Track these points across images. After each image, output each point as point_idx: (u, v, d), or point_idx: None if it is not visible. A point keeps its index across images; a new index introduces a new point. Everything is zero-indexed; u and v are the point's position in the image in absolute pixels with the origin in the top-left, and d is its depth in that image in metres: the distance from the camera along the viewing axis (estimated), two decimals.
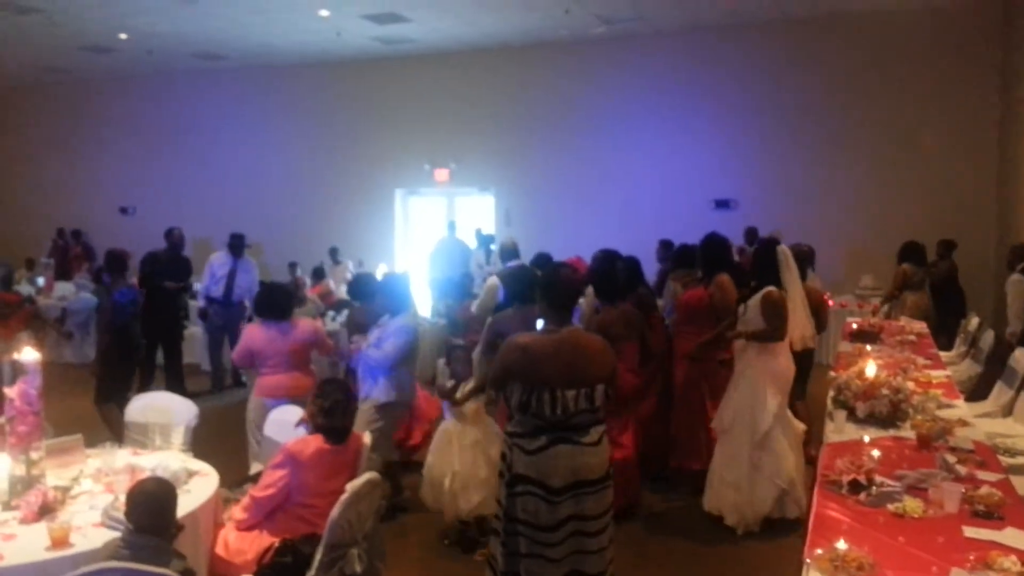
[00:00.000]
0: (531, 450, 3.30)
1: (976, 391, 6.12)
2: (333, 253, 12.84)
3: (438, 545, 4.85)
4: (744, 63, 11.73)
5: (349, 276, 12.25)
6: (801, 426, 5.11)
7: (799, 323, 5.02)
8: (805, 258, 6.51)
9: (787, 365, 4.93)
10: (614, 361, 3.51)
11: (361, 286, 6.30)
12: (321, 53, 13.47)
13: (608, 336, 4.95)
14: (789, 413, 5.02)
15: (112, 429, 5.72)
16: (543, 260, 8.19)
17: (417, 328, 5.28)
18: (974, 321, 7.53)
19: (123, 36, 12.33)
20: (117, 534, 2.90)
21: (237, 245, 9.07)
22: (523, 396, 3.29)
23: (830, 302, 10.05)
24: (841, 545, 2.61)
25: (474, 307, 7.65)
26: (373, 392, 5.05)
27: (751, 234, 10.31)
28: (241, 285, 8.91)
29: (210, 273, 8.91)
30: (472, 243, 11.66)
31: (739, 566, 4.59)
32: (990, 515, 2.89)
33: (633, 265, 5.99)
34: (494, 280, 7.52)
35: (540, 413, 3.28)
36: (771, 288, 4.85)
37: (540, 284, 3.65)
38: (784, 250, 5.02)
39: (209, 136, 15.42)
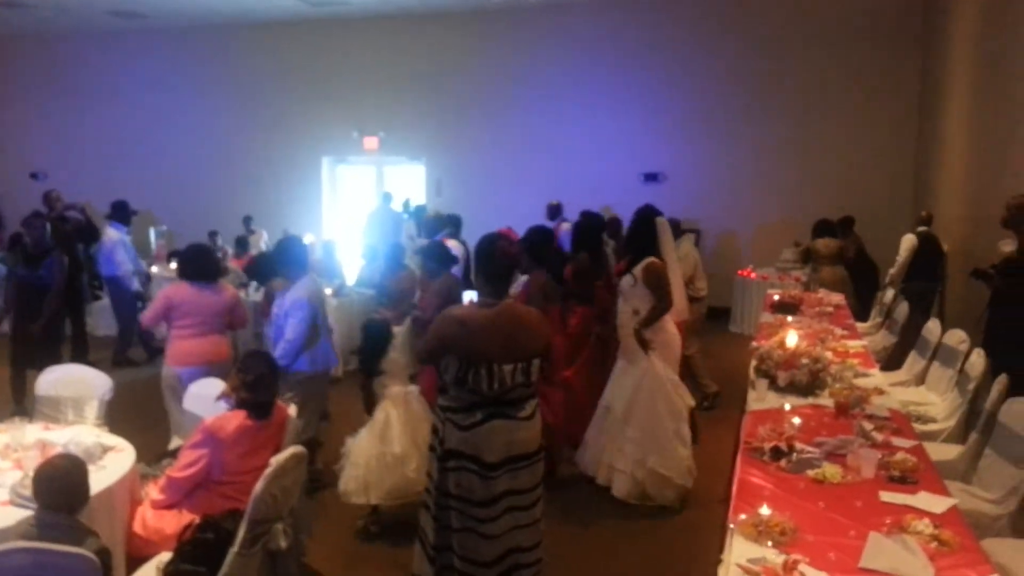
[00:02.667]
0: (465, 425, 3.26)
1: (891, 361, 6.35)
2: (247, 222, 12.27)
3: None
4: (674, 33, 11.78)
5: (264, 245, 11.96)
6: (687, 401, 5.12)
7: (678, 294, 5.16)
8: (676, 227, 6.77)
9: (674, 332, 5.07)
10: (549, 334, 3.49)
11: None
12: (246, 13, 12.97)
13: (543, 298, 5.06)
14: (675, 380, 5.06)
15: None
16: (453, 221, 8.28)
17: (314, 292, 4.96)
18: (889, 293, 7.81)
19: None
20: (28, 513, 2.77)
21: (124, 214, 8.68)
22: (459, 371, 3.23)
23: (751, 274, 10.36)
24: (764, 510, 2.67)
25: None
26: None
27: (553, 210, 10.76)
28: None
29: (126, 253, 8.54)
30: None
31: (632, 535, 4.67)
32: (904, 480, 3.00)
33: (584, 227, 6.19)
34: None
35: (477, 388, 3.23)
36: (652, 258, 4.95)
37: (476, 256, 3.56)
38: (662, 221, 5.12)
39: (126, 100, 14.73)
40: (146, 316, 5.19)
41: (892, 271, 8.21)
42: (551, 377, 4.64)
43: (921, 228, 8.24)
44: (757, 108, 11.50)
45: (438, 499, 3.34)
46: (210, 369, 4.67)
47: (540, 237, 5.69)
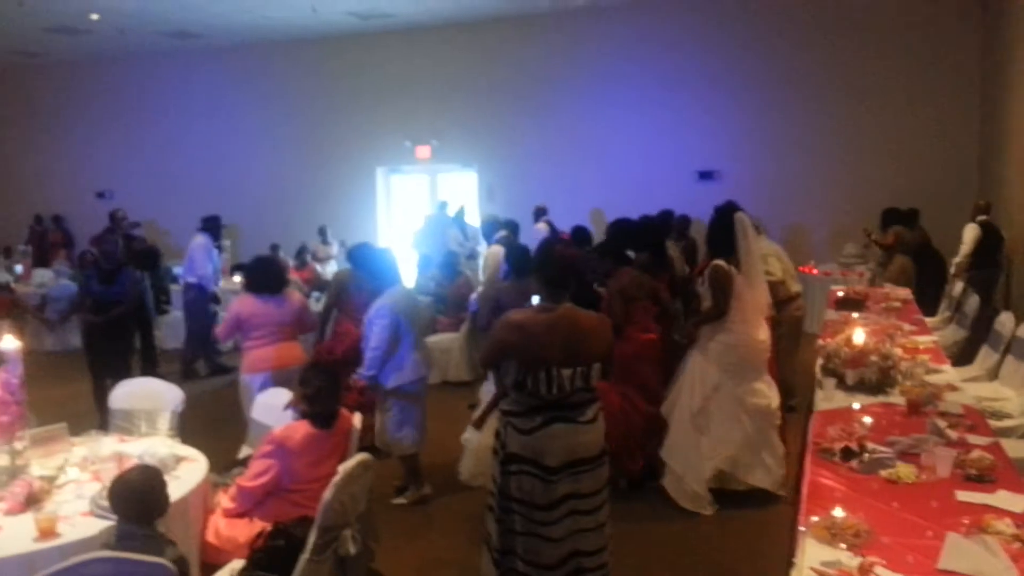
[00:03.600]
0: (526, 429, 3.27)
1: (962, 356, 6.15)
2: (322, 232, 12.71)
3: (442, 532, 4.80)
4: (728, 33, 11.64)
5: (335, 256, 12.22)
6: (765, 402, 4.86)
7: (759, 291, 4.90)
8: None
9: (738, 340, 4.78)
10: (610, 338, 3.47)
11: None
12: (297, 30, 13.25)
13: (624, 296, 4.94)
14: (752, 388, 4.84)
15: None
16: (511, 227, 8.28)
17: (400, 302, 4.92)
18: (958, 286, 7.57)
19: (94, 17, 12.06)
20: (108, 522, 2.86)
21: (215, 227, 8.94)
22: (519, 375, 3.24)
23: (814, 271, 10.15)
24: (837, 512, 2.61)
25: (480, 277, 7.54)
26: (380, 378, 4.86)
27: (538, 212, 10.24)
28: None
29: (210, 258, 8.77)
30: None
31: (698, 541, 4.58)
32: (982, 478, 2.91)
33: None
34: (498, 249, 7.37)
35: (536, 392, 3.23)
36: (718, 263, 4.80)
37: (534, 261, 3.60)
38: (742, 218, 4.90)
39: (185, 117, 15.17)
40: (220, 331, 5.44)
41: (957, 261, 8.04)
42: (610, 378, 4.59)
43: (981, 217, 8.12)
44: (812, 101, 11.28)
45: (501, 502, 3.36)
46: (284, 374, 4.79)
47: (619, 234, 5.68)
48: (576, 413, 3.29)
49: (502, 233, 8.86)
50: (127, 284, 6.55)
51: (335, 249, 12.59)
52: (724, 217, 4.94)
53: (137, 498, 2.70)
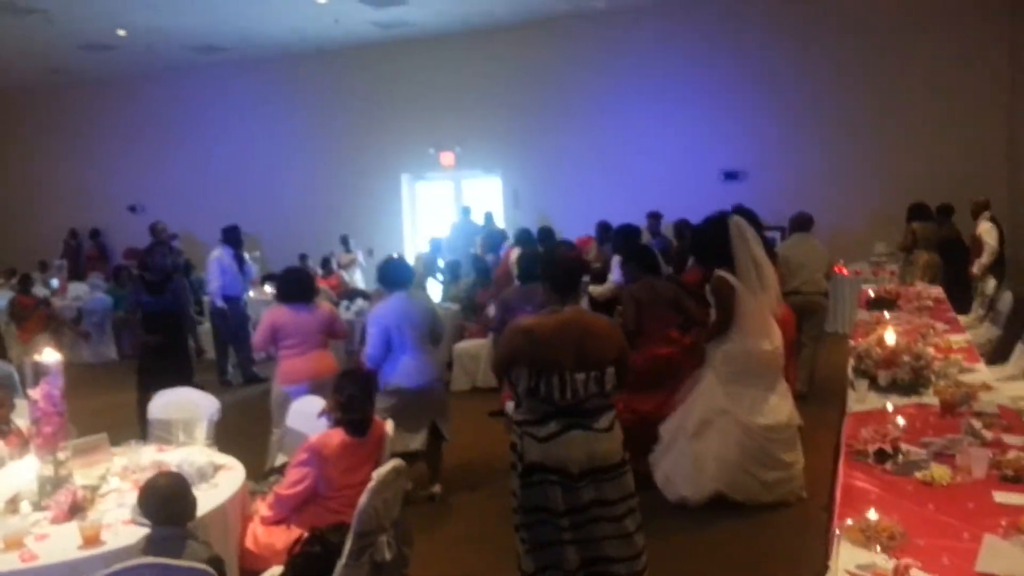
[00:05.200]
0: (542, 437, 3.20)
1: (996, 354, 6.06)
2: (344, 241, 12.84)
3: (467, 533, 4.83)
4: (751, 31, 11.59)
5: (358, 265, 12.32)
6: (772, 421, 4.81)
7: (769, 295, 4.87)
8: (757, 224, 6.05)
9: (743, 349, 4.77)
10: (622, 342, 3.40)
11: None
12: (320, 40, 13.41)
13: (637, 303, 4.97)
14: (773, 399, 4.83)
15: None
16: (544, 235, 8.21)
17: (395, 310, 5.09)
18: (991, 284, 7.47)
19: (121, 33, 12.30)
20: (147, 531, 2.93)
21: (235, 237, 9.05)
22: (530, 381, 3.19)
23: (844, 271, 10.06)
24: (872, 515, 2.59)
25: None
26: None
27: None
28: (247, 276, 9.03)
29: (221, 270, 8.87)
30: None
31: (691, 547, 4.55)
32: (1019, 479, 2.87)
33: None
34: (515, 253, 7.42)
35: (549, 398, 3.18)
36: (718, 273, 4.78)
37: (542, 264, 3.56)
38: (739, 223, 4.85)
39: (213, 130, 15.40)
40: (256, 341, 5.52)
41: (984, 261, 8.07)
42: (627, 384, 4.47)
43: (987, 213, 8.33)
44: (839, 100, 11.20)
45: (525, 517, 3.29)
46: (317, 383, 4.86)
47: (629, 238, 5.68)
48: (591, 420, 3.23)
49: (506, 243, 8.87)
50: (179, 294, 6.64)
51: (360, 256, 12.69)
52: (715, 226, 4.92)
53: (165, 501, 2.79)
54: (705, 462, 4.83)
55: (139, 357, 6.76)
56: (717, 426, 4.81)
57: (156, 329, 6.43)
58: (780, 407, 4.87)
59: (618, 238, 6.15)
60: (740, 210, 5.38)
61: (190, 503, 2.91)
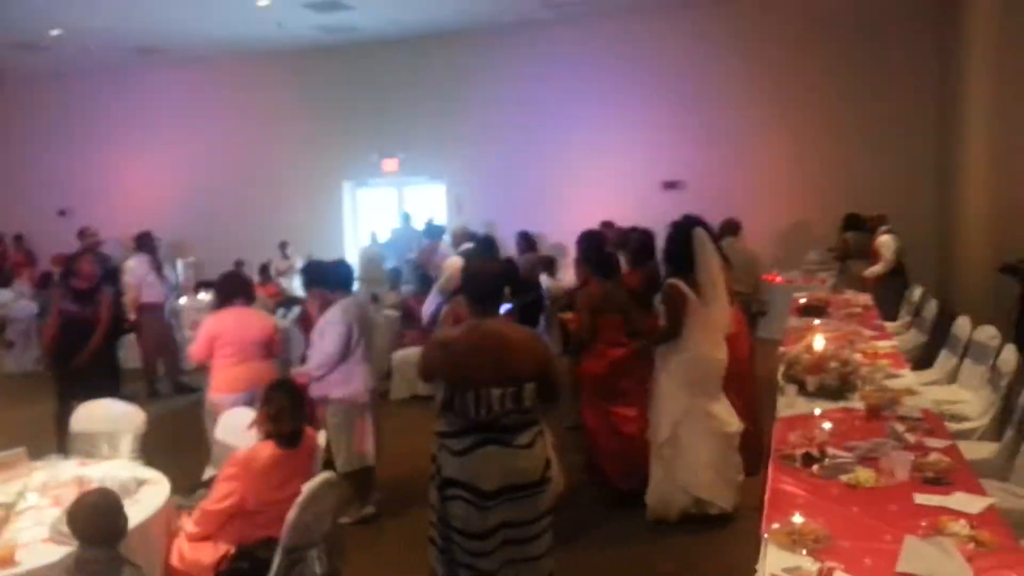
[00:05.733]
0: (458, 451, 3.12)
1: (921, 360, 6.26)
2: (282, 247, 12.61)
3: (413, 545, 4.73)
4: (687, 42, 11.79)
5: (295, 272, 12.11)
6: (724, 427, 4.82)
7: (718, 309, 4.84)
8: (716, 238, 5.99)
9: (698, 357, 4.75)
10: (544, 356, 3.28)
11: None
12: (263, 44, 13.19)
13: (592, 309, 4.91)
14: (719, 408, 4.83)
15: None
16: (486, 245, 8.18)
17: (350, 311, 4.99)
18: (917, 292, 7.72)
19: (55, 32, 11.91)
20: (68, 549, 2.82)
21: (148, 244, 8.86)
22: (447, 395, 3.12)
23: (777, 279, 10.29)
24: (797, 519, 2.65)
25: (435, 288, 7.48)
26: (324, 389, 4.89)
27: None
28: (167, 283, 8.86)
29: (137, 280, 8.56)
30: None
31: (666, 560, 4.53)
32: (939, 481, 2.96)
33: (646, 239, 5.98)
34: (456, 260, 7.29)
35: (464, 412, 3.09)
36: (673, 282, 4.77)
37: (462, 276, 3.48)
38: (700, 233, 4.84)
39: (150, 133, 15.01)
40: (194, 351, 5.29)
41: (876, 270, 8.57)
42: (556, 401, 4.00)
43: (884, 228, 8.75)
44: (774, 111, 11.48)
45: (442, 531, 3.21)
46: (253, 395, 4.73)
47: (594, 243, 5.68)
48: (510, 436, 3.12)
49: (468, 245, 8.85)
50: (102, 304, 6.39)
51: (298, 263, 12.46)
52: (682, 232, 4.88)
53: (96, 520, 2.67)
54: (681, 473, 4.79)
55: (55, 367, 6.50)
56: (686, 430, 4.76)
57: (79, 338, 6.21)
58: (731, 417, 4.87)
59: (583, 241, 6.13)
60: (694, 221, 5.39)
61: (122, 523, 2.80)
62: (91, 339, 6.26)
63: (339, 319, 4.89)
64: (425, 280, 9.02)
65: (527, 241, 8.90)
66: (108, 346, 6.56)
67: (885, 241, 8.64)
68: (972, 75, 8.93)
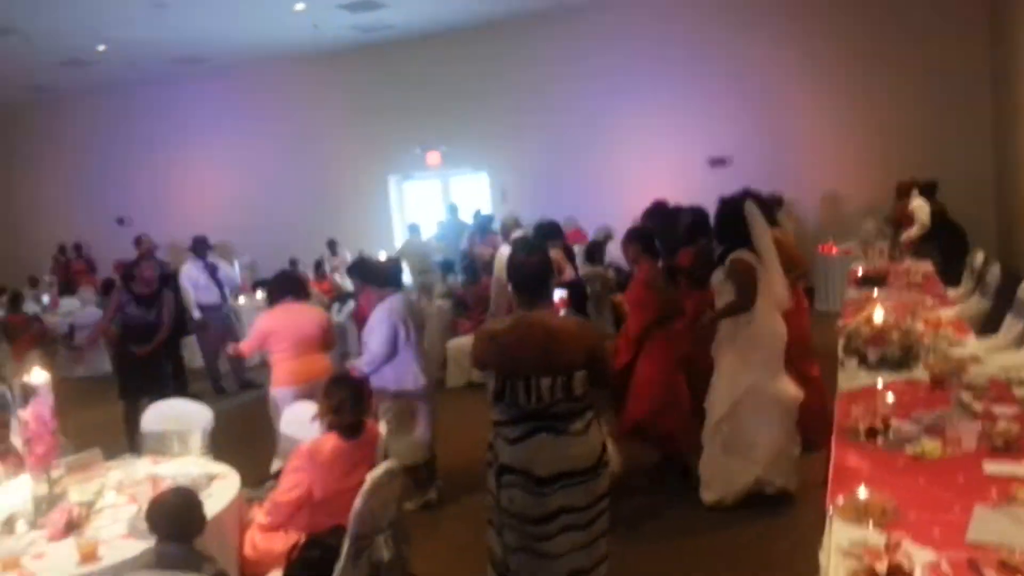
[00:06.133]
0: (513, 439, 3.16)
1: (986, 326, 6.09)
2: (332, 245, 12.80)
3: (473, 529, 4.78)
4: (726, 15, 11.59)
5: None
6: (793, 395, 4.75)
7: (778, 283, 4.77)
8: (770, 209, 5.90)
9: (765, 331, 4.68)
10: (594, 343, 3.27)
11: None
12: (301, 46, 13.38)
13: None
14: (782, 383, 4.74)
15: None
16: (548, 229, 8.13)
17: (397, 309, 5.03)
18: (979, 257, 7.51)
19: (101, 48, 12.26)
20: (147, 544, 2.93)
21: (202, 248, 9.10)
22: (498, 385, 3.15)
23: (833, 250, 10.10)
24: (862, 492, 2.61)
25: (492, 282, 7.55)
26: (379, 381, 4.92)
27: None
28: (228, 283, 9.03)
29: (192, 283, 8.82)
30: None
31: (720, 548, 4.47)
32: (1009, 449, 2.89)
33: (697, 216, 5.79)
34: (506, 251, 7.35)
35: (515, 402, 3.12)
36: (738, 255, 4.67)
37: (508, 268, 3.46)
38: (751, 206, 4.76)
39: (198, 140, 15.38)
40: (246, 346, 5.53)
41: (912, 234, 8.62)
42: (607, 387, 3.85)
43: (915, 191, 8.86)
44: (822, 82, 11.24)
45: (500, 516, 3.24)
46: (311, 386, 4.84)
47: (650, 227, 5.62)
48: (563, 424, 3.14)
49: (519, 232, 8.82)
50: (165, 308, 6.62)
51: (349, 258, 12.63)
52: (735, 207, 4.79)
53: (174, 518, 2.77)
54: (740, 450, 4.73)
55: (117, 368, 6.74)
56: (748, 407, 4.68)
57: (141, 341, 6.42)
58: (794, 388, 4.79)
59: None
60: (750, 195, 5.27)
61: (199, 520, 2.90)
62: (156, 340, 6.46)
63: (384, 319, 4.95)
64: (473, 271, 9.07)
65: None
66: (174, 346, 6.76)
67: (919, 205, 8.64)
68: (1023, 25, 8.63)
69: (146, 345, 6.44)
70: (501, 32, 12.86)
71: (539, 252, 3.44)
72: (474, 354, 3.38)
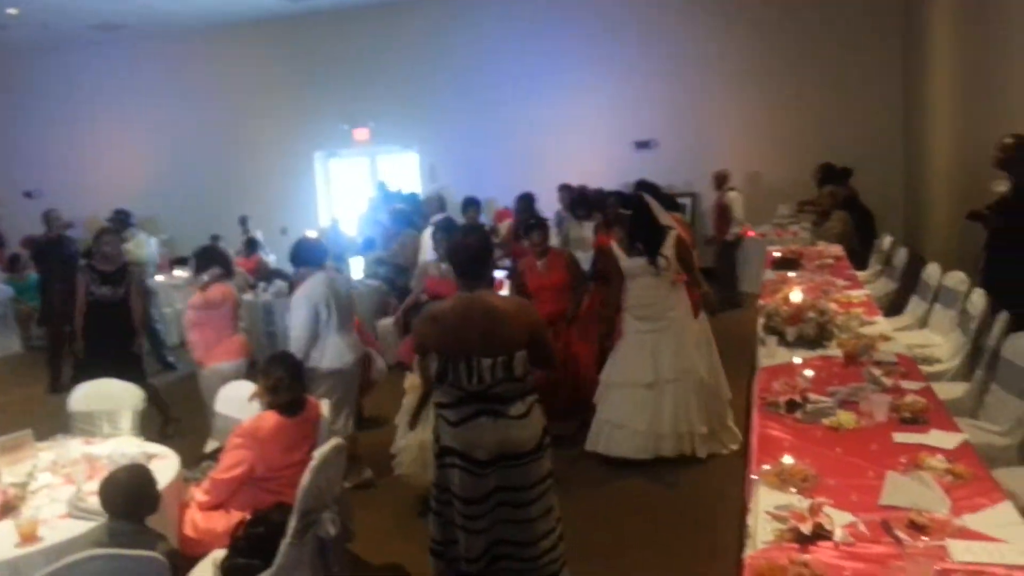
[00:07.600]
0: (454, 421, 3.18)
1: (893, 307, 6.47)
2: (243, 222, 12.06)
3: (409, 507, 4.82)
4: (661, 4, 11.80)
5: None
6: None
7: None
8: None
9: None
10: (534, 323, 3.26)
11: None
12: (229, 16, 12.97)
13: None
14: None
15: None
16: (468, 204, 8.35)
17: (316, 289, 4.91)
18: (887, 240, 7.92)
19: (12, 11, 11.64)
20: (89, 524, 2.91)
21: (123, 222, 8.90)
22: (440, 366, 3.16)
23: (750, 232, 10.47)
24: (786, 460, 2.80)
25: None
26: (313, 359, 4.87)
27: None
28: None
29: None
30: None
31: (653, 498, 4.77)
32: (916, 420, 3.13)
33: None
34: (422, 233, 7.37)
35: (457, 383, 3.13)
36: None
37: (447, 250, 3.46)
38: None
39: (115, 110, 14.76)
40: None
41: (735, 230, 9.48)
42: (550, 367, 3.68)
43: (728, 185, 9.59)
44: (745, 71, 11.55)
45: (438, 495, 3.29)
46: (235, 366, 4.99)
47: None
48: (504, 407, 3.15)
49: (439, 216, 8.75)
50: (132, 285, 6.12)
51: (260, 236, 12.24)
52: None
53: (128, 495, 2.77)
54: (660, 415, 5.05)
55: (88, 351, 6.12)
56: (672, 380, 5.05)
57: (109, 323, 5.99)
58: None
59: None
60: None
61: (153, 497, 2.91)
62: (123, 320, 6.04)
63: (302, 303, 4.84)
64: (397, 269, 8.87)
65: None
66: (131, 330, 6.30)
67: (734, 197, 9.61)
68: (935, 22, 9.06)
69: (115, 331, 5.99)
70: (432, 9, 12.76)
71: (478, 232, 3.48)
72: (416, 338, 3.39)
